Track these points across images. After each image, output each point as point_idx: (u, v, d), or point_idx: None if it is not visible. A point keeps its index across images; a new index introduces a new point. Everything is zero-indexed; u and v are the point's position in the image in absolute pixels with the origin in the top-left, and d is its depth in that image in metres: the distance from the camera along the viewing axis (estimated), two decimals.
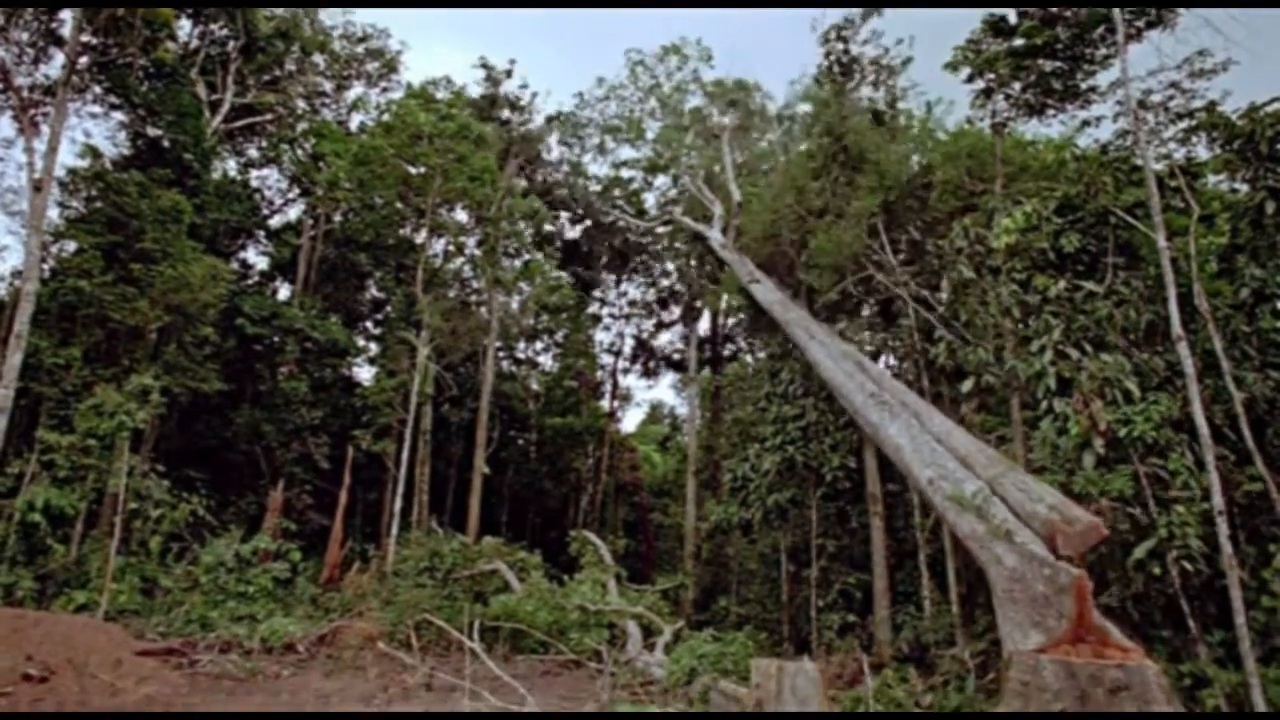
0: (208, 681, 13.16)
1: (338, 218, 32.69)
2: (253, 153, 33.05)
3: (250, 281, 31.16)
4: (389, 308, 32.24)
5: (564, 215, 38.81)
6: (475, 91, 34.76)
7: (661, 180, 36.79)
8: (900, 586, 18.75)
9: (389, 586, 20.78)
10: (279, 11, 29.35)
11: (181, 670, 13.63)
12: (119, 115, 23.36)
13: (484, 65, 35.20)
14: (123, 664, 12.65)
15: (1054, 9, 14.72)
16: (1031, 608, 8.36)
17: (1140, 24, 13.92)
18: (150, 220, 20.51)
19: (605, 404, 41.93)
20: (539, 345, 42.11)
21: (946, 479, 10.97)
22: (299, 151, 32.09)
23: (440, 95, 29.78)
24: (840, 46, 22.81)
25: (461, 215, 30.55)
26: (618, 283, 41.33)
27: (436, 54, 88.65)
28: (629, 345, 42.59)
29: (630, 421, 54.60)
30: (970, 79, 16.60)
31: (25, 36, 20.29)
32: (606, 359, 42.70)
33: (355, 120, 34.45)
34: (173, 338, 21.88)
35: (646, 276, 40.46)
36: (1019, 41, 15.49)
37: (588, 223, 39.04)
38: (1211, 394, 11.83)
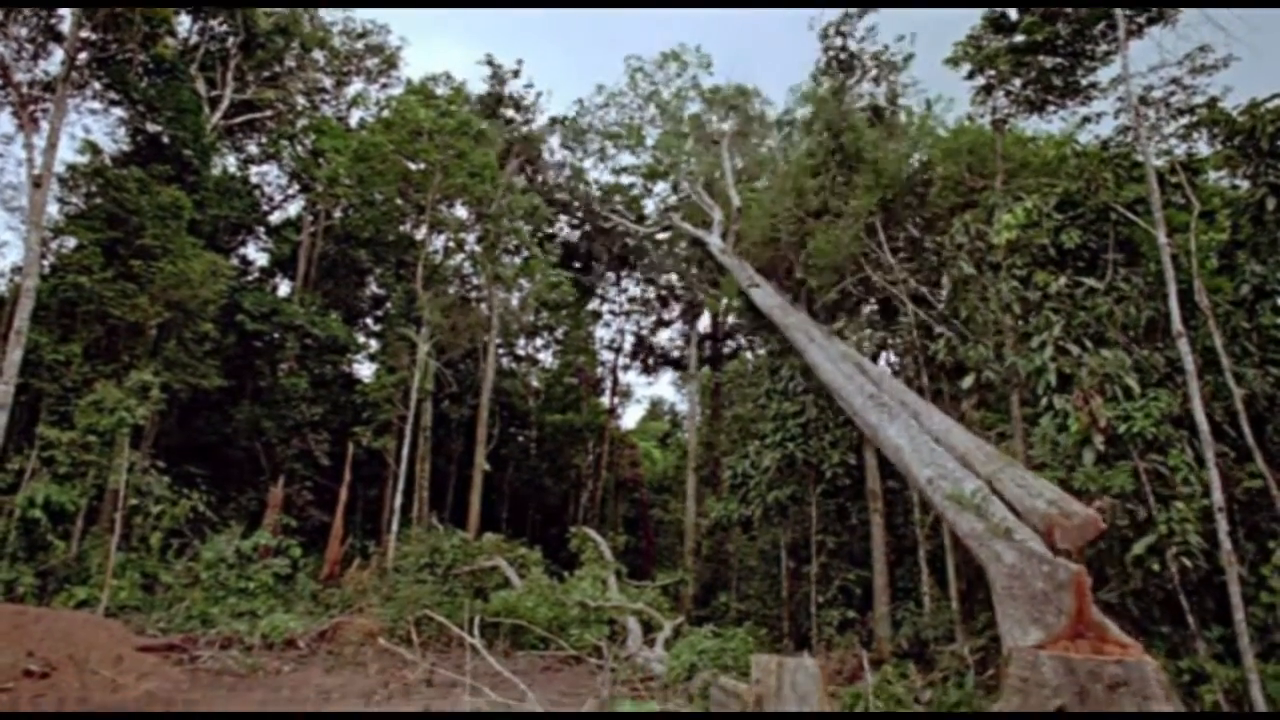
0: (208, 677, 13.17)
1: (338, 214, 32.69)
2: (252, 149, 33.05)
3: (250, 278, 31.15)
4: (389, 304, 32.21)
5: (564, 219, 38.82)
6: (476, 88, 34.79)
7: (661, 187, 36.90)
8: (900, 583, 18.78)
9: (389, 582, 20.80)
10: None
11: (182, 666, 13.64)
12: (118, 111, 23.37)
13: (490, 63, 35.19)
14: (123, 660, 12.66)
15: (1055, 7, 14.69)
16: (1031, 604, 8.37)
17: (1141, 20, 13.90)
18: (150, 216, 20.49)
19: (605, 401, 41.94)
20: (539, 342, 42.12)
21: (946, 478, 10.99)
22: (299, 147, 32.08)
23: (440, 91, 29.75)
24: (839, 42, 22.80)
25: (461, 211, 30.54)
26: (617, 279, 41.32)
27: (436, 51, 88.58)
28: (629, 342, 42.64)
29: (630, 418, 54.66)
30: (971, 75, 16.59)
31: (25, 32, 20.26)
32: (607, 355, 42.76)
33: (355, 116, 34.53)
34: (173, 334, 21.87)
35: (646, 276, 40.48)
36: (1019, 38, 15.47)
37: (587, 227, 39.05)
38: (1211, 390, 11.83)
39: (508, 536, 24.59)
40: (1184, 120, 14.24)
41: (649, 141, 35.34)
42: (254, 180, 32.85)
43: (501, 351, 36.94)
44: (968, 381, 14.39)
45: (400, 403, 26.36)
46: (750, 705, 9.12)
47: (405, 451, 25.12)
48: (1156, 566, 10.44)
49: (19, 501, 16.69)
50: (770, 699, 8.81)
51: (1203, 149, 14.08)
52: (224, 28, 28.13)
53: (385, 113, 30.35)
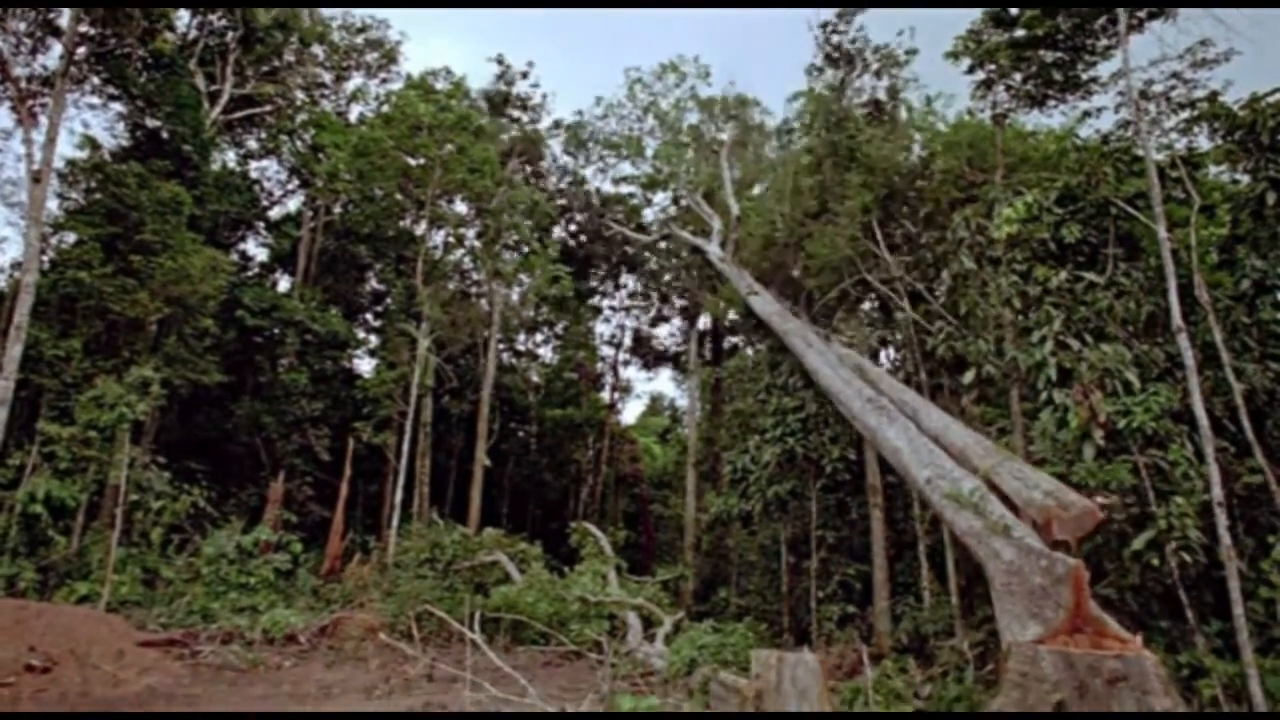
0: (209, 672, 13.20)
1: (337, 209, 32.65)
2: (252, 144, 33.01)
3: (250, 273, 31.12)
4: (389, 300, 32.22)
5: (563, 221, 38.83)
6: (476, 84, 34.70)
7: (661, 196, 37.02)
8: (899, 578, 18.81)
9: (390, 578, 20.85)
10: None
11: (183, 661, 13.68)
12: (117, 106, 23.30)
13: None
14: (125, 655, 12.70)
15: (1055, 6, 14.65)
16: (1029, 600, 8.38)
17: (1142, 14, 13.85)
18: (150, 212, 20.47)
19: (605, 396, 41.96)
20: (539, 337, 42.15)
21: (944, 478, 11.03)
22: (298, 143, 32.03)
23: (440, 86, 29.68)
24: (835, 40, 22.83)
25: (461, 207, 30.52)
26: (616, 285, 41.40)
27: (436, 47, 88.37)
28: (629, 337, 42.64)
29: (630, 413, 54.76)
30: (971, 70, 16.55)
31: (23, 27, 20.20)
32: (607, 351, 42.76)
33: (355, 111, 34.41)
34: (173, 329, 21.87)
35: (646, 286, 40.61)
36: (1020, 32, 15.43)
37: (583, 237, 39.08)
38: (1211, 385, 11.83)
39: (508, 532, 24.62)
40: (1184, 115, 14.21)
41: (648, 152, 35.48)
42: (253, 175, 32.84)
43: (502, 347, 36.95)
44: (968, 377, 14.40)
45: (400, 398, 26.38)
46: (750, 700, 9.14)
47: (405, 447, 25.14)
48: (1156, 561, 10.46)
49: (20, 497, 16.71)
50: (770, 694, 8.82)
51: (1203, 143, 14.07)
52: (223, 22, 28.05)
53: (385, 107, 30.30)
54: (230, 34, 28.09)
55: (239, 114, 29.41)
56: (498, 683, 12.07)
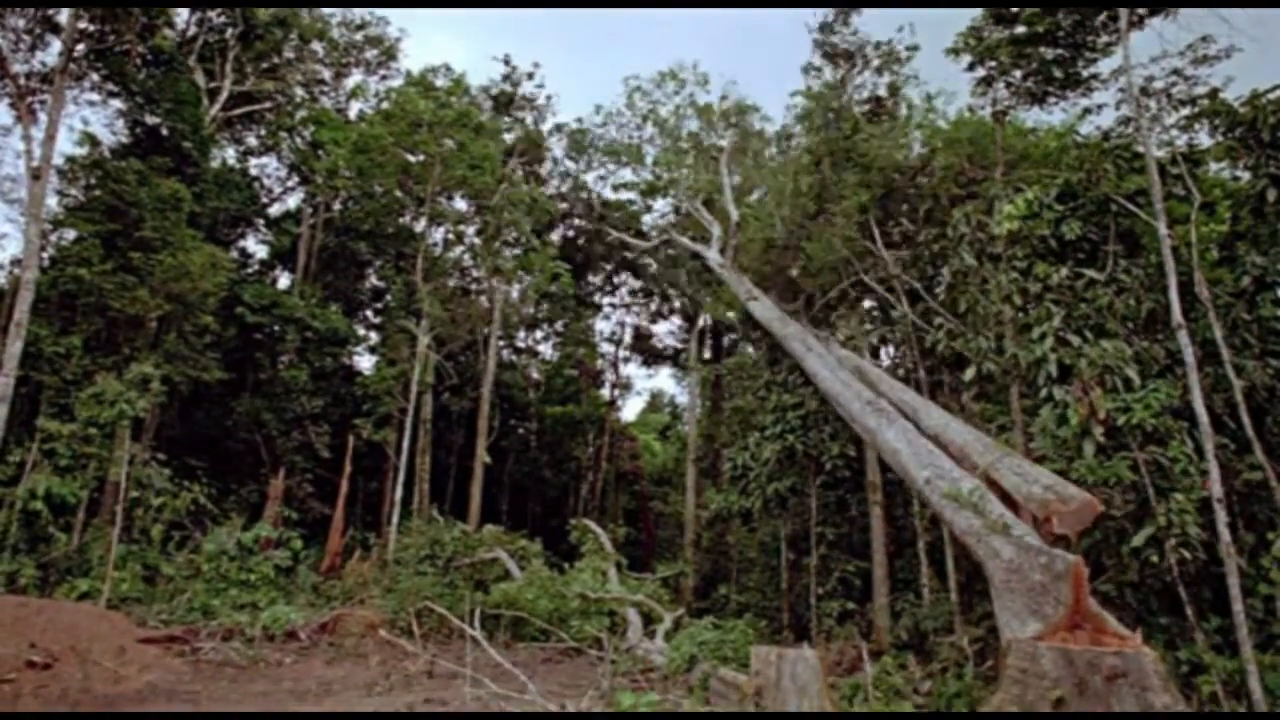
0: (210, 669, 13.22)
1: (337, 206, 32.64)
2: (252, 141, 33.00)
3: (250, 270, 31.12)
4: (389, 296, 32.23)
5: (562, 227, 38.84)
6: (477, 81, 34.68)
7: (661, 203, 37.08)
8: (899, 574, 18.83)
9: (390, 574, 20.87)
10: None
11: (184, 658, 13.70)
12: (117, 103, 23.26)
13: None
14: (125, 651, 12.73)
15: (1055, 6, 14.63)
16: (1029, 597, 8.38)
17: (1143, 11, 13.82)
18: (149, 208, 20.46)
19: (605, 393, 41.98)
20: (539, 334, 42.16)
21: (943, 478, 11.05)
22: (298, 139, 32.01)
23: (440, 83, 29.65)
24: (834, 38, 22.83)
25: (461, 204, 30.49)
26: (613, 287, 41.39)
27: (435, 45, 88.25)
28: (629, 334, 42.66)
29: (630, 410, 54.76)
30: (971, 66, 16.52)
31: (22, 24, 20.18)
32: (607, 348, 42.78)
33: (354, 108, 34.39)
34: (173, 326, 21.87)
35: (646, 289, 40.65)
36: (1020, 29, 15.40)
37: (582, 241, 39.09)
38: (1211, 382, 11.83)
39: (508, 528, 24.66)
40: (1185, 111, 14.20)
41: (648, 159, 35.56)
42: (253, 172, 32.83)
43: (501, 344, 36.98)
44: (969, 374, 14.40)
45: (400, 395, 26.39)
46: (750, 697, 9.16)
47: (405, 444, 25.15)
48: (1155, 558, 10.46)
49: (20, 494, 16.72)
50: (770, 690, 8.84)
51: (1204, 140, 14.05)
52: (222, 19, 28.02)
53: (385, 104, 30.29)
54: (230, 31, 28.05)
55: (238, 111, 29.39)
56: (498, 679, 12.09)
